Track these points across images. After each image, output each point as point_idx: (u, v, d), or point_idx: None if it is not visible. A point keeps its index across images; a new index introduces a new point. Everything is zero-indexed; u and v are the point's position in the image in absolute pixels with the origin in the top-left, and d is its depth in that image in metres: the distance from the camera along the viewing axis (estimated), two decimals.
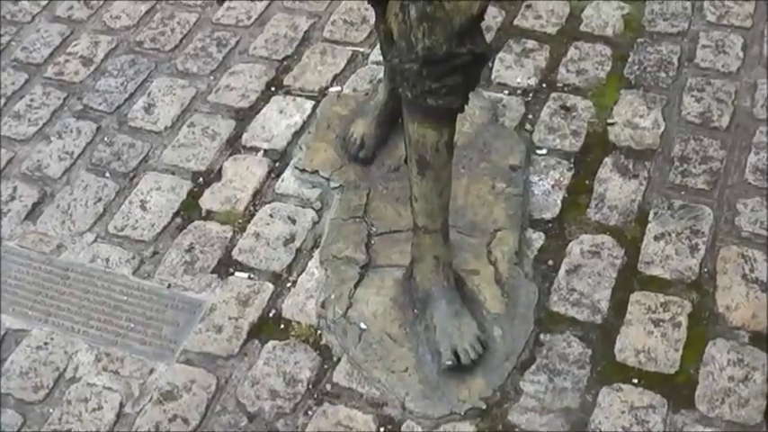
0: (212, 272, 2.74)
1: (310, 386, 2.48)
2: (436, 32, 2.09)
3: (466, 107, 2.26)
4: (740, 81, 3.18)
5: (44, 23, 3.58)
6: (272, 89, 3.26)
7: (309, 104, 3.19)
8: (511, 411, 2.40)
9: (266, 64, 3.35)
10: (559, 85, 3.20)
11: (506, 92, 3.17)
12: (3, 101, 3.28)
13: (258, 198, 2.92)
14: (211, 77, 3.31)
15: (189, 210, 2.91)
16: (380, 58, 3.03)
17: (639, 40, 3.34)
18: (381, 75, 3.03)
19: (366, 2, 2.71)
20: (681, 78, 3.20)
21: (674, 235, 2.74)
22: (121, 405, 2.47)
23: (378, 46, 3.10)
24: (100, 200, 2.94)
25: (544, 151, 2.98)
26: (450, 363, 2.41)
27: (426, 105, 2.20)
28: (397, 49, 2.19)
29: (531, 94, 3.16)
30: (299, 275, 2.72)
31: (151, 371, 2.53)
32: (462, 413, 2.39)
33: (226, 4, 3.58)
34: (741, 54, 3.27)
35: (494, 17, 3.40)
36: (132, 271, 2.75)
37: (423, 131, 2.26)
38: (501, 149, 2.92)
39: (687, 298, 2.60)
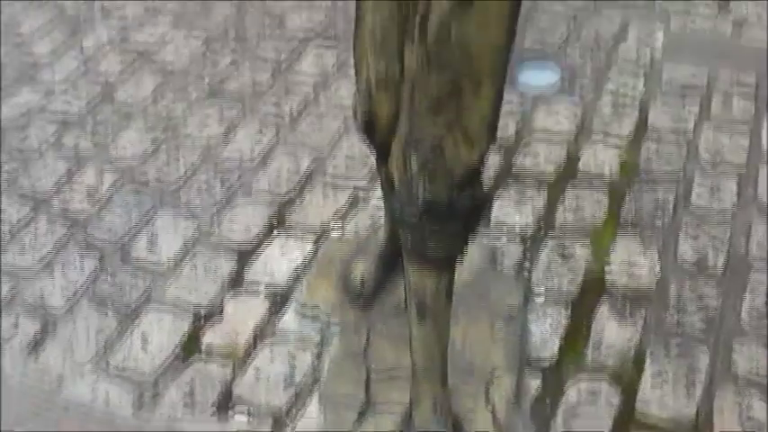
0: (212, 411, 2.73)
1: None
2: (437, 182, 2.13)
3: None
4: (735, 223, 3.23)
5: (51, 155, 3.64)
6: (275, 226, 3.30)
7: (311, 242, 3.22)
8: None
9: (269, 201, 3.40)
10: (557, 227, 3.24)
11: (505, 235, 3.21)
12: (8, 232, 3.31)
13: (259, 336, 2.93)
14: (214, 214, 3.36)
15: (190, 347, 2.91)
16: (382, 196, 3.08)
17: (635, 182, 3.40)
18: (382, 214, 3.07)
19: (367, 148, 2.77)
20: (676, 221, 3.25)
21: (670, 378, 2.75)
22: None
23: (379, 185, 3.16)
24: (101, 334, 2.96)
25: (542, 295, 3.01)
26: None
27: (426, 252, 2.24)
28: (397, 196, 2.23)
29: (529, 238, 3.20)
30: (298, 413, 2.72)
31: None
32: None
33: (230, 145, 3.64)
34: (735, 197, 3.32)
35: (492, 160, 3.46)
36: (132, 408, 2.75)
37: (422, 277, 2.29)
38: (499, 293, 2.95)
39: None
